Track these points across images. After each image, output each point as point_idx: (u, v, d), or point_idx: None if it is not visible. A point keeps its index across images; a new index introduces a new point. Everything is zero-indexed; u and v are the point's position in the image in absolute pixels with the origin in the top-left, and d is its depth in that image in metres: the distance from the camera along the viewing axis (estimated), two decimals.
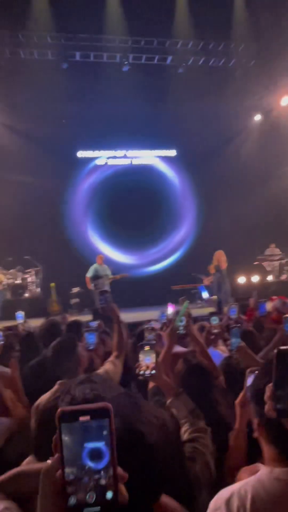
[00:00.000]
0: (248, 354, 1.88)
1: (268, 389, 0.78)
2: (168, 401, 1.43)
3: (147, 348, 1.53)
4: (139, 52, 9.96)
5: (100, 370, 2.03)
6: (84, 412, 0.52)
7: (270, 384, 0.78)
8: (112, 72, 10.02)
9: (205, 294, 8.97)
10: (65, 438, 0.51)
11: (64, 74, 9.79)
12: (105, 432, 0.51)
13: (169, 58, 10.24)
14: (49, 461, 0.53)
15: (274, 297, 6.16)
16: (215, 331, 2.18)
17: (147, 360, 1.52)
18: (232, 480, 1.24)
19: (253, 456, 1.35)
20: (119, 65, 10.07)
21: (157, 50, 10.01)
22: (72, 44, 9.53)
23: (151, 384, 1.76)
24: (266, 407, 0.78)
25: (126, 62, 10.02)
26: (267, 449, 0.98)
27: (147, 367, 1.50)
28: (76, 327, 2.94)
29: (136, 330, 2.92)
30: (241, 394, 1.42)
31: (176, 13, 9.55)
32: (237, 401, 1.43)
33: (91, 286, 8.56)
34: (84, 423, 0.51)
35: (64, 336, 2.23)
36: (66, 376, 1.89)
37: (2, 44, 9.20)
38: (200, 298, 9.40)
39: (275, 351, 0.77)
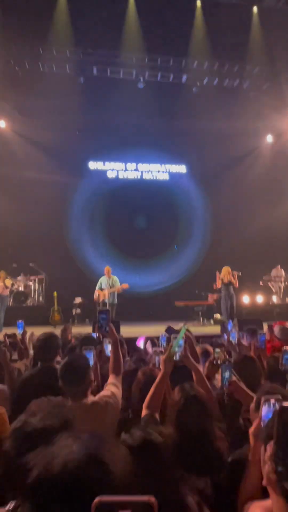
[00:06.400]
0: (240, 388, 1.81)
1: (269, 448, 0.70)
2: None
3: None
4: (155, 69, 10.15)
5: (108, 393, 1.97)
6: (124, 505, 0.45)
7: (272, 442, 0.69)
8: (128, 88, 10.20)
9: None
10: None
11: (81, 88, 9.99)
12: None
13: (184, 77, 10.40)
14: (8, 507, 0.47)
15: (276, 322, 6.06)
16: (219, 362, 2.12)
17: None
18: None
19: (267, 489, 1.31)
20: (134, 82, 10.26)
21: (173, 69, 10.18)
22: (90, 59, 9.74)
23: (144, 412, 1.71)
24: (266, 467, 0.70)
25: (141, 79, 10.21)
26: (276, 500, 0.87)
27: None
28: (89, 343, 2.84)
29: (135, 356, 2.88)
30: (254, 424, 1.35)
31: (193, 34, 9.75)
32: (251, 430, 1.36)
33: (96, 297, 8.47)
34: None
35: (77, 356, 2.11)
36: (76, 398, 1.83)
37: (22, 56, 9.44)
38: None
39: (278, 406, 0.69)
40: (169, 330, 3.07)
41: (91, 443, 0.66)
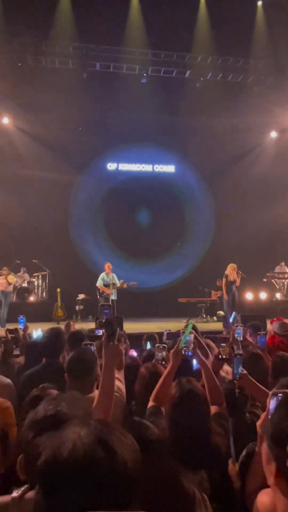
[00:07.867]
0: (251, 381, 1.82)
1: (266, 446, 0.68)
2: None
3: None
4: (158, 65, 10.08)
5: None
6: None
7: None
8: (131, 83, 10.15)
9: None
10: None
11: (84, 83, 9.94)
12: None
13: (188, 72, 10.33)
14: (14, 494, 0.47)
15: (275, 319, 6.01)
16: (224, 357, 2.10)
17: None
18: (251, 504, 1.19)
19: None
20: (137, 77, 10.19)
21: (176, 64, 10.10)
22: (93, 55, 9.69)
23: (150, 403, 1.70)
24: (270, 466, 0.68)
25: (144, 74, 10.14)
26: (282, 504, 0.85)
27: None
28: (79, 340, 2.80)
29: (143, 352, 2.88)
30: (262, 417, 1.36)
31: (197, 28, 9.66)
32: (259, 423, 1.37)
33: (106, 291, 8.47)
34: None
35: (84, 350, 2.07)
36: (83, 392, 1.82)
37: (25, 52, 9.41)
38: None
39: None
40: (170, 336, 3.12)
41: (99, 429, 0.69)
